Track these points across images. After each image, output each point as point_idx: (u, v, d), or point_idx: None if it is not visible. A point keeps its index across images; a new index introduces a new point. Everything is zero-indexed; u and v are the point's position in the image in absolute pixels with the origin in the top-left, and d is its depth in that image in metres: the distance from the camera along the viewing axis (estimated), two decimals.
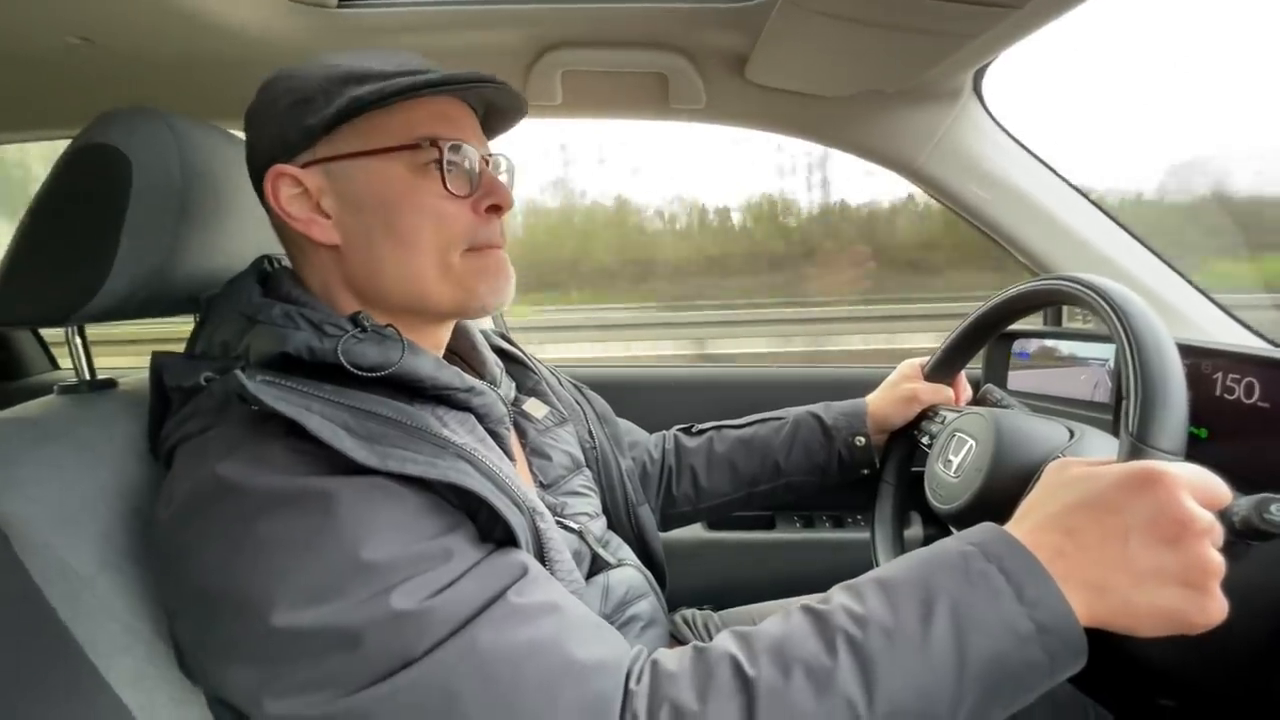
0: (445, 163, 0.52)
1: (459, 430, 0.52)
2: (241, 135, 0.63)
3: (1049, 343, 1.01)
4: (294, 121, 0.51)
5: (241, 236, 0.62)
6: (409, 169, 0.52)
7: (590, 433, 0.77)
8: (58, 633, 0.45)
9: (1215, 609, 0.40)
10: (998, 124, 0.97)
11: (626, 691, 0.41)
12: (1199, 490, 0.42)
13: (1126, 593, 0.41)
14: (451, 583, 0.41)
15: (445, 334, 0.62)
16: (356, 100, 0.50)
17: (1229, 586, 0.40)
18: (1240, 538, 0.42)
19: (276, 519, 0.41)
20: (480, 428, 0.56)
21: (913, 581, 0.43)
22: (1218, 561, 0.40)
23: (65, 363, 1.36)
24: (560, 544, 0.54)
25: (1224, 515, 0.42)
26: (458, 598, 0.41)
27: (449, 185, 0.52)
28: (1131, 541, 0.41)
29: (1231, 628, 0.40)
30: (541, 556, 0.51)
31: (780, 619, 0.44)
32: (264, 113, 0.52)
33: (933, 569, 0.43)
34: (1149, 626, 0.41)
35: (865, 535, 0.83)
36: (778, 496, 0.88)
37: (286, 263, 0.60)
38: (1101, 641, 0.41)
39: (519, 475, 0.54)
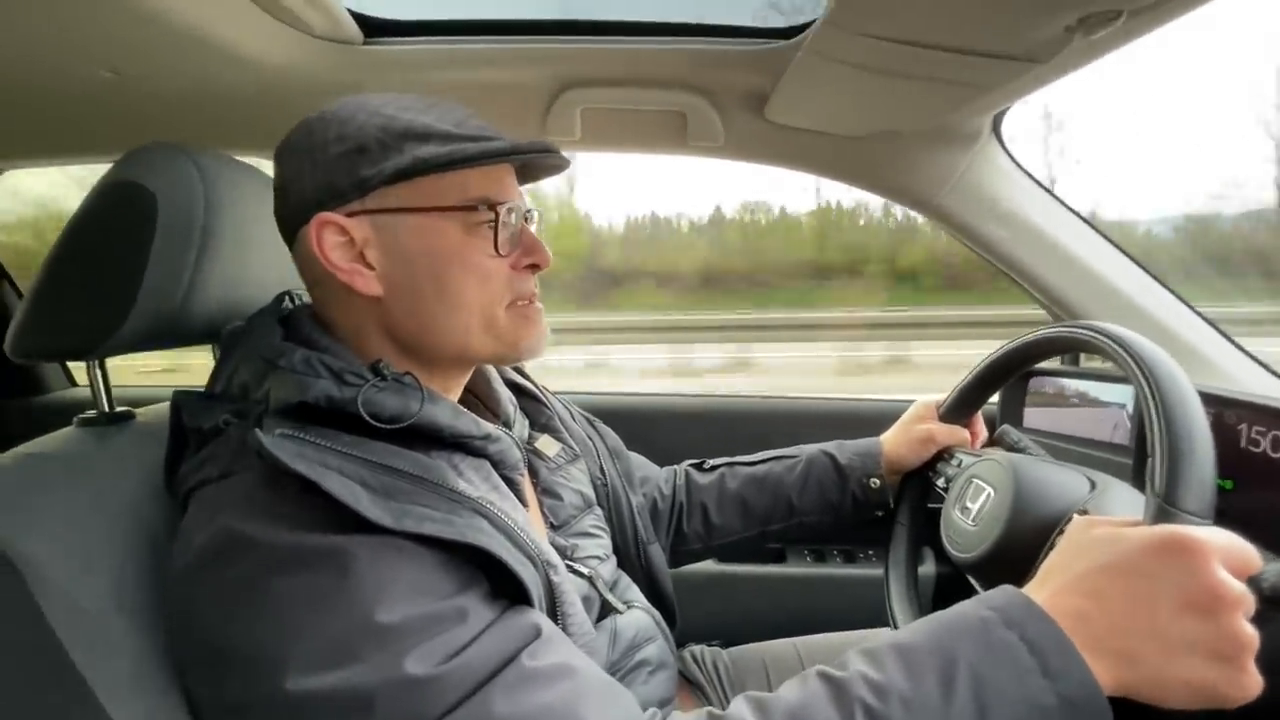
0: (499, 225, 0.53)
1: (475, 479, 0.52)
2: (263, 167, 0.64)
3: (1066, 381, 1.00)
4: (346, 170, 0.50)
5: (263, 269, 0.62)
6: (462, 228, 0.52)
7: (602, 469, 0.76)
8: (69, 674, 0.44)
9: (1250, 684, 0.39)
10: (1017, 164, 0.97)
11: None
12: (1230, 558, 0.41)
13: (1155, 664, 0.40)
14: (466, 645, 0.41)
15: (465, 378, 0.62)
16: (422, 162, 0.49)
17: (1260, 659, 0.39)
18: (1270, 605, 0.41)
19: (290, 578, 0.41)
20: (495, 474, 0.55)
21: (932, 648, 0.42)
22: (1252, 635, 0.39)
23: (81, 378, 1.38)
24: (573, 594, 0.53)
25: (1253, 582, 0.41)
26: (472, 661, 0.40)
27: (499, 247, 0.53)
28: (1161, 610, 0.40)
29: (1265, 700, 0.39)
30: (554, 610, 0.51)
31: (796, 684, 0.44)
32: (306, 155, 0.51)
33: (953, 635, 0.42)
34: (1178, 699, 0.40)
35: (877, 571, 0.81)
36: (790, 534, 0.86)
37: (307, 298, 0.60)
38: (1122, 701, 0.40)
39: (531, 524, 0.53)
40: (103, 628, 0.46)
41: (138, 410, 0.63)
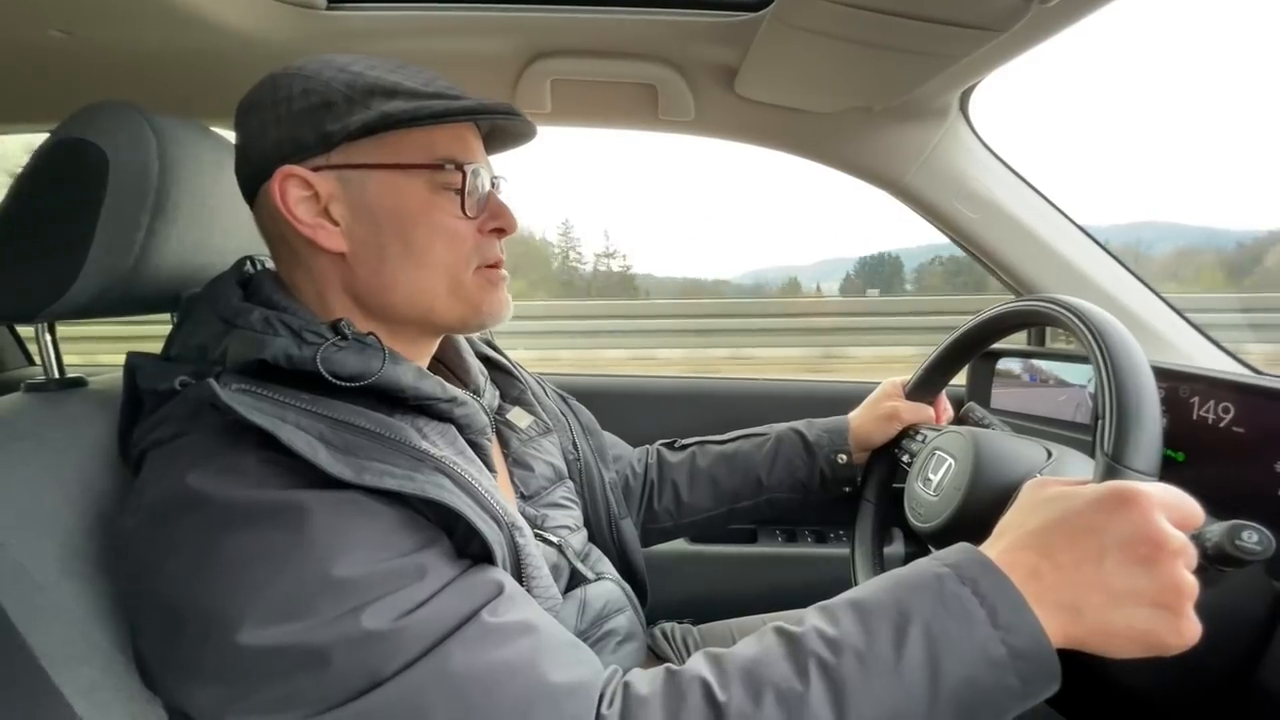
0: (466, 186, 0.53)
1: (439, 442, 0.51)
2: (224, 134, 0.62)
3: (1032, 362, 1.02)
4: (311, 124, 0.49)
5: (223, 235, 0.61)
6: (428, 187, 0.52)
7: (574, 444, 0.76)
8: (10, 638, 0.43)
9: (1189, 630, 0.40)
10: (984, 144, 0.98)
11: (598, 715, 0.40)
12: (1173, 510, 0.42)
13: (1101, 614, 0.41)
14: (425, 601, 0.40)
15: (434, 345, 0.61)
16: (389, 117, 0.49)
17: (1199, 609, 0.40)
18: (1212, 563, 0.42)
19: (246, 533, 0.40)
20: (461, 439, 0.55)
21: (887, 604, 0.42)
22: (1191, 583, 0.40)
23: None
24: (539, 559, 0.53)
25: (1197, 538, 0.42)
26: (431, 617, 0.40)
27: (466, 208, 0.53)
28: (1106, 562, 0.41)
29: (1201, 650, 0.40)
30: (519, 572, 0.51)
31: (754, 640, 0.44)
32: (270, 110, 0.51)
33: (907, 591, 0.43)
34: (1123, 648, 0.41)
35: (847, 551, 0.82)
36: (760, 512, 0.87)
37: (270, 264, 0.59)
38: (1072, 660, 0.41)
39: (499, 488, 0.53)
40: (47, 591, 0.45)
41: (90, 378, 0.61)
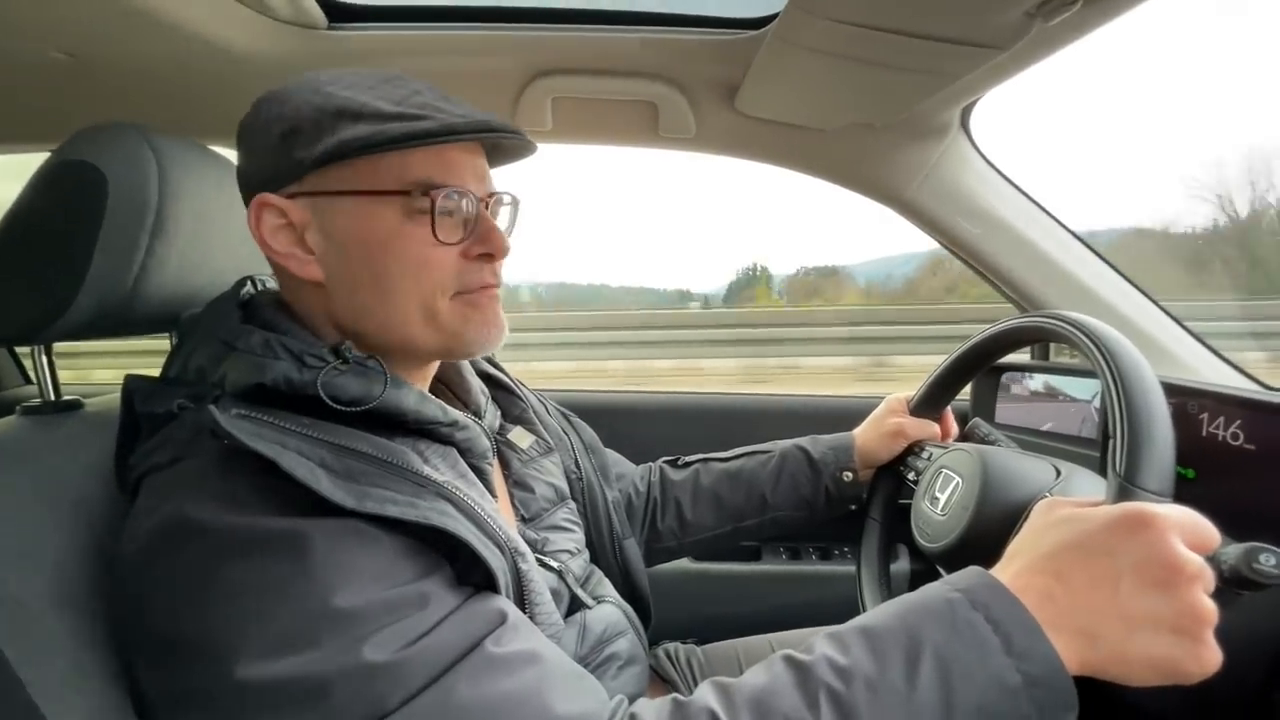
0: (436, 212, 0.49)
1: (440, 465, 0.51)
2: (226, 153, 0.62)
3: (1037, 377, 1.01)
4: (283, 152, 0.49)
5: (224, 256, 0.61)
6: (400, 214, 0.49)
7: (576, 463, 0.75)
8: (3, 671, 0.42)
9: (1210, 658, 0.39)
10: (985, 159, 0.98)
11: None
12: (1189, 533, 0.41)
13: (1118, 640, 0.40)
14: (427, 631, 0.40)
15: (432, 369, 0.61)
16: (345, 145, 0.47)
17: (1215, 631, 0.39)
18: (1229, 585, 0.41)
19: (246, 562, 0.39)
20: (463, 462, 0.54)
21: (898, 631, 0.41)
22: (1211, 608, 0.39)
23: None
24: (541, 585, 0.52)
25: (1212, 560, 0.42)
26: (434, 647, 0.39)
27: (438, 234, 0.50)
28: (1122, 586, 0.40)
29: (1220, 675, 0.39)
30: (521, 599, 0.50)
31: (762, 669, 0.43)
32: (255, 137, 0.50)
33: (919, 617, 0.42)
34: (1141, 676, 0.40)
35: (852, 568, 0.81)
36: (764, 531, 0.86)
37: (271, 284, 0.59)
38: (1086, 682, 0.40)
39: (500, 513, 0.52)
40: (39, 621, 0.44)
41: (86, 400, 0.61)
